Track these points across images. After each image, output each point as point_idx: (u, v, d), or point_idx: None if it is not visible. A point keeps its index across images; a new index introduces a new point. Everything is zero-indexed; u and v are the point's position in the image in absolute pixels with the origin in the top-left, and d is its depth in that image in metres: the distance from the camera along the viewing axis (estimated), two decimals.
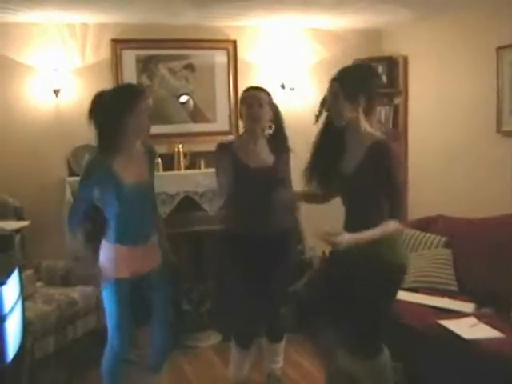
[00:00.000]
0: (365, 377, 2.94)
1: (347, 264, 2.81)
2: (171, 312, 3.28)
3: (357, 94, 2.74)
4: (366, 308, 2.79)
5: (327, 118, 2.87)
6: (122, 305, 3.03)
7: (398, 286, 2.92)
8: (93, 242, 3.08)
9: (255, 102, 3.25)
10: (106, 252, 3.04)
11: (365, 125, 2.79)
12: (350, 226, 2.81)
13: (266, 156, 3.35)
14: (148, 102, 2.93)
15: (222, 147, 3.37)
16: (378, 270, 2.75)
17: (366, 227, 2.69)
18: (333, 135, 2.86)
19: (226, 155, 3.30)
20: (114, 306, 3.03)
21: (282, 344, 3.64)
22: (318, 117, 2.89)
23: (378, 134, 2.83)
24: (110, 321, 3.07)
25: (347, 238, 2.64)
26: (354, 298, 2.78)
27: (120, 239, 3.01)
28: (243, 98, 3.34)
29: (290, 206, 3.34)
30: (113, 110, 2.85)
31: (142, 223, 3.06)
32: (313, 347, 4.27)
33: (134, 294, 3.06)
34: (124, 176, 2.94)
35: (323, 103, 2.85)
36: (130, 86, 3.28)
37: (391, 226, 2.71)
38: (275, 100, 3.43)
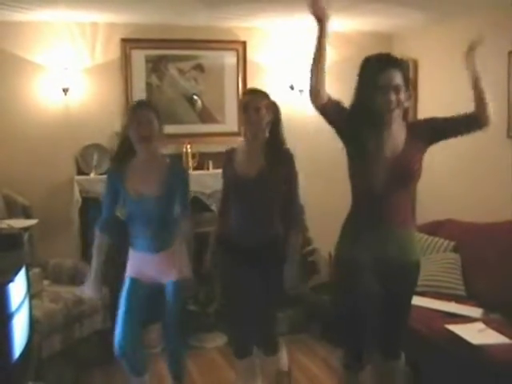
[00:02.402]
0: (389, 376, 2.92)
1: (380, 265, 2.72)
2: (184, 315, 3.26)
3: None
4: (402, 308, 2.84)
5: (364, 109, 2.69)
6: (129, 301, 3.10)
7: None
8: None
9: (251, 106, 3.05)
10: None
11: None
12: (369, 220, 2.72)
13: (256, 164, 3.09)
14: (142, 113, 3.02)
15: (225, 154, 3.29)
16: (409, 270, 2.76)
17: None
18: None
19: (225, 162, 3.25)
20: (122, 301, 3.12)
21: (279, 355, 3.37)
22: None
23: None
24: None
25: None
26: (389, 298, 2.74)
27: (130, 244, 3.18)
28: (240, 103, 3.30)
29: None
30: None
31: (148, 235, 3.10)
32: (320, 350, 4.28)
33: (145, 296, 3.15)
34: (132, 188, 3.04)
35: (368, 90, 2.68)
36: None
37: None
38: (283, 102, 3.36)
